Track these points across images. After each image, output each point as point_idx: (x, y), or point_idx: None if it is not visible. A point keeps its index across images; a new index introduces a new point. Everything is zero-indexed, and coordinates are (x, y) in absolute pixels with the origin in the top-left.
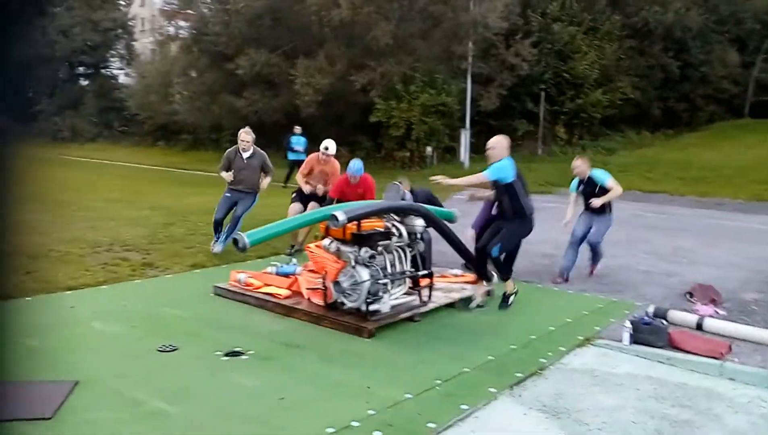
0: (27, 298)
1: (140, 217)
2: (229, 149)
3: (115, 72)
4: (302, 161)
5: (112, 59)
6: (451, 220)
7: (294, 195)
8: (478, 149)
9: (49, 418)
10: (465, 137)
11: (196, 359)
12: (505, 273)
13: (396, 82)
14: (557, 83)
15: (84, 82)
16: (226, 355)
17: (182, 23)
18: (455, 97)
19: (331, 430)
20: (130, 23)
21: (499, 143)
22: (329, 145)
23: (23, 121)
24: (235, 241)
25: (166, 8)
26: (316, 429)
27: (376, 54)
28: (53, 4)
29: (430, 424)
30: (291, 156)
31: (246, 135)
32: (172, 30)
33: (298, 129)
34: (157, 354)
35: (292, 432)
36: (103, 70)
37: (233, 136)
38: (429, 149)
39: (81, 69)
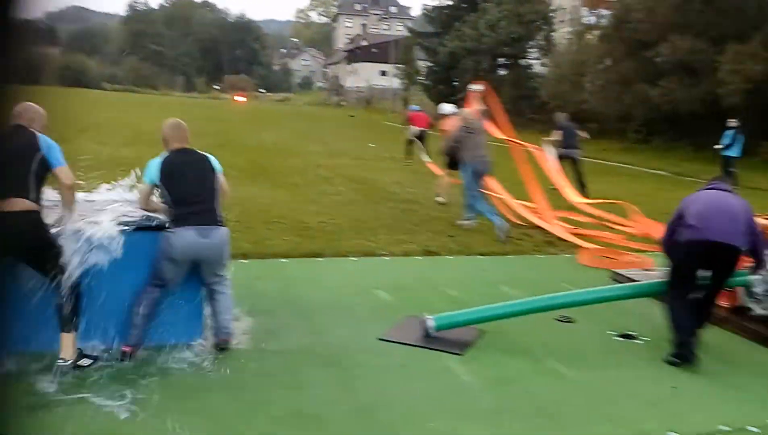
0: (449, 257)
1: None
2: None
3: (531, 62)
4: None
5: (530, 50)
6: None
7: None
8: None
9: (461, 355)
10: None
11: (589, 334)
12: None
13: None
14: None
15: (502, 72)
16: (620, 336)
17: (604, 12)
18: None
19: (724, 428)
20: (551, 14)
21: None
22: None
23: None
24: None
25: None
26: (708, 423)
27: None
28: (485, 0)
29: None
30: (726, 151)
31: None
32: (592, 19)
33: (732, 122)
34: (555, 322)
35: (682, 419)
36: (520, 61)
37: (641, 126)
38: None
39: (502, 60)
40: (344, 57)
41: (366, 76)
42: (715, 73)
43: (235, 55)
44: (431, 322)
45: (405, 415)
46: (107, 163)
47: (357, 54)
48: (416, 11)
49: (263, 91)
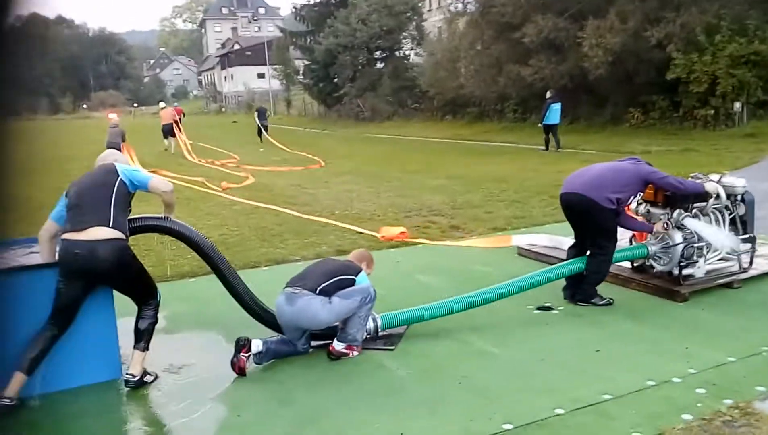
0: None
1: (439, 185)
2: None
3: (407, 52)
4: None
5: (404, 41)
6: None
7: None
8: None
9: (393, 349)
10: None
11: (510, 310)
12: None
13: (698, 33)
14: None
15: (380, 65)
16: (538, 308)
17: None
18: None
19: (651, 383)
20: (419, 4)
21: None
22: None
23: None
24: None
25: None
26: (636, 380)
27: (675, 4)
28: None
29: (759, 387)
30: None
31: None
32: (459, 6)
33: (548, 93)
34: None
35: (612, 381)
36: (396, 52)
37: (517, 105)
38: (737, 105)
39: (378, 53)
40: (218, 62)
41: (243, 79)
42: (578, 48)
43: (100, 71)
44: (378, 320)
45: (349, 420)
46: None
47: (231, 58)
48: (285, 11)
49: (136, 105)
